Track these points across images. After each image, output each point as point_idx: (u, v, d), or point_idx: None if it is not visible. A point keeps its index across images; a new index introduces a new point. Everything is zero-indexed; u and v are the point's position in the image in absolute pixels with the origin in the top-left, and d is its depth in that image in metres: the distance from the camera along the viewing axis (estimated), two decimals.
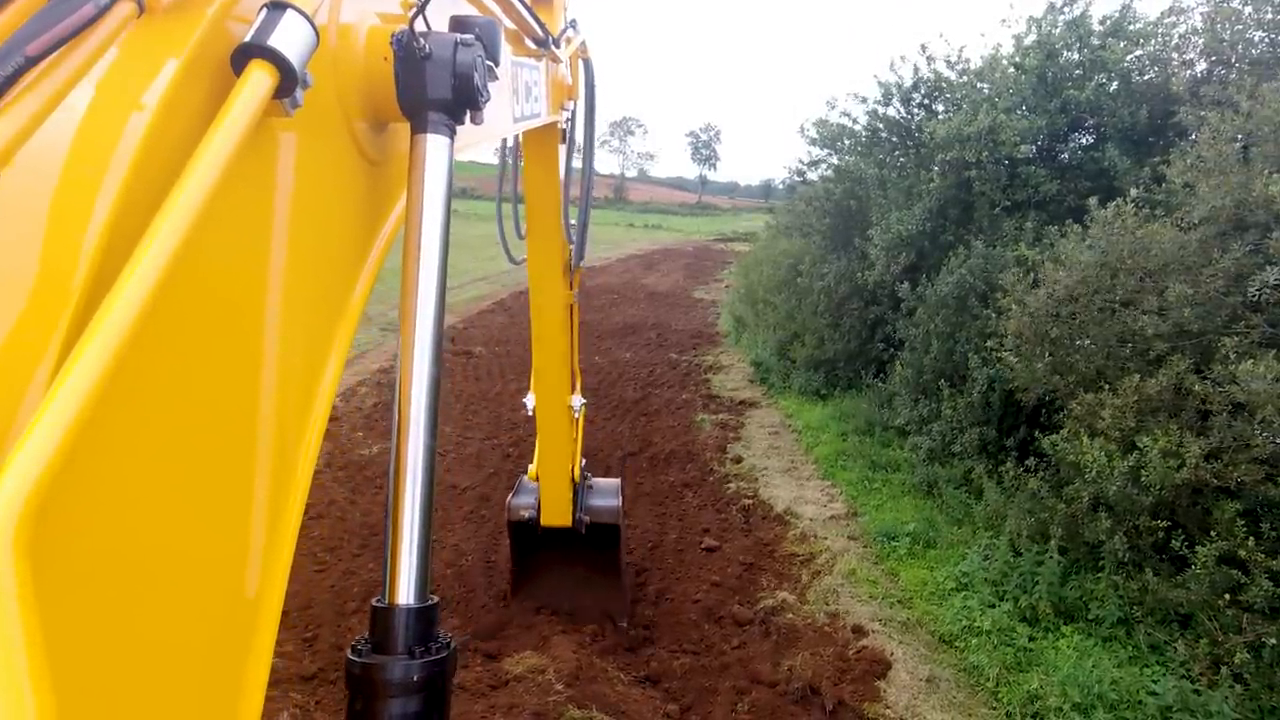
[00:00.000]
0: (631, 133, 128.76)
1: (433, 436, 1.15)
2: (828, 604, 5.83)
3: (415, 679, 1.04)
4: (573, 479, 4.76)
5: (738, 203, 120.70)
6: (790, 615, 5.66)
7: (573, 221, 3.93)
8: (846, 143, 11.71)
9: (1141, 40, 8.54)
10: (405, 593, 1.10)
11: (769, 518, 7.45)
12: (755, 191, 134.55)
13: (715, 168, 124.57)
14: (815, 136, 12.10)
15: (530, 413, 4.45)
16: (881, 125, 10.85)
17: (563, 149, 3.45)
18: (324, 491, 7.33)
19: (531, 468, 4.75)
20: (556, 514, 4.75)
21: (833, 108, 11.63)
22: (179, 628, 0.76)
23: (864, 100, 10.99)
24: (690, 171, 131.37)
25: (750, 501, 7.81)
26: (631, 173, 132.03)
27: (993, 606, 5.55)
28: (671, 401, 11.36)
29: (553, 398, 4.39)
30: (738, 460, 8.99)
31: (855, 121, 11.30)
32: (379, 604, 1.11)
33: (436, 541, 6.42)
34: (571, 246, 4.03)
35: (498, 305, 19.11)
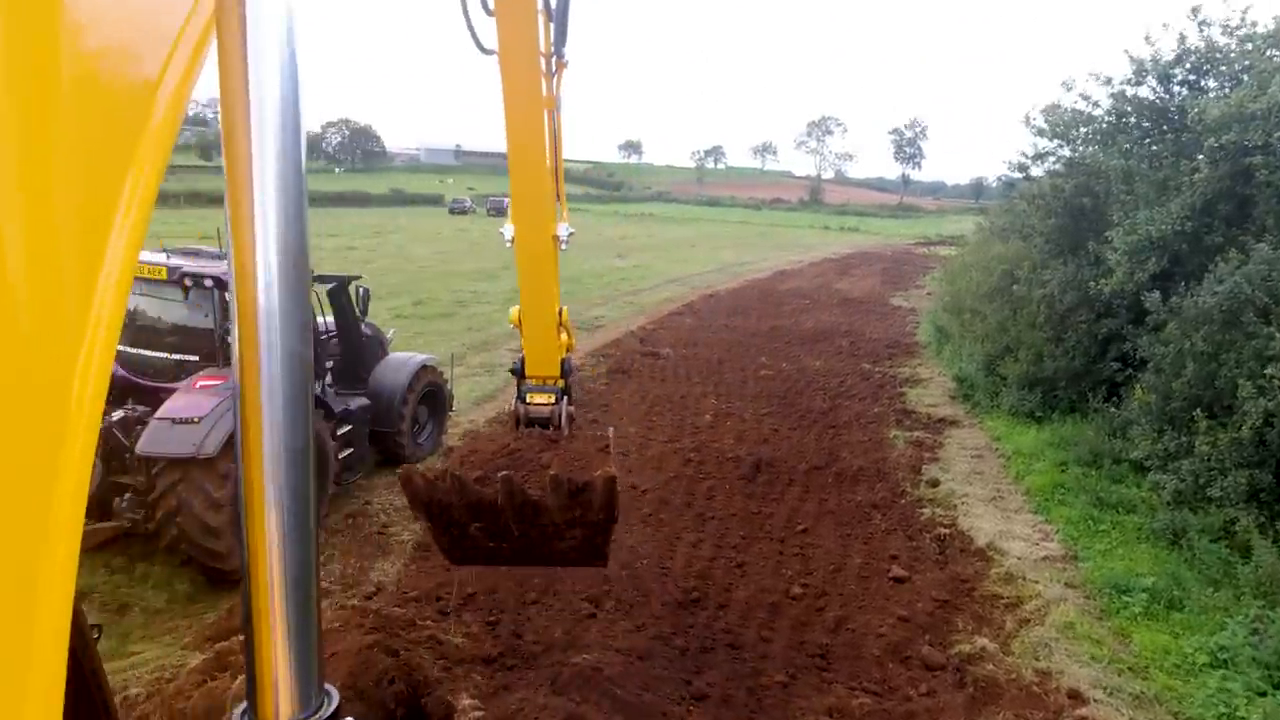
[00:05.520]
0: (830, 132, 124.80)
1: (304, 470, 0.81)
2: (1037, 659, 5.11)
3: None
4: (560, 324, 4.20)
5: (944, 204, 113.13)
6: (990, 666, 5.03)
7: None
8: (1082, 131, 10.37)
9: None
10: (280, 699, 0.85)
11: (968, 551, 6.74)
12: (964, 191, 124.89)
13: (920, 166, 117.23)
14: (1043, 126, 10.90)
15: (509, 244, 3.93)
16: (1129, 108, 9.46)
17: None
18: None
19: (514, 310, 4.17)
20: (542, 364, 4.21)
21: (1069, 89, 10.37)
22: None
23: (1108, 81, 9.64)
24: (892, 171, 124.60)
25: (947, 531, 7.11)
26: (828, 174, 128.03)
27: (1263, 695, 4.54)
28: (862, 415, 10.75)
29: (534, 225, 3.81)
30: (934, 483, 8.26)
31: (1096, 106, 10.02)
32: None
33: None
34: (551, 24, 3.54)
35: (686, 308, 19.37)
